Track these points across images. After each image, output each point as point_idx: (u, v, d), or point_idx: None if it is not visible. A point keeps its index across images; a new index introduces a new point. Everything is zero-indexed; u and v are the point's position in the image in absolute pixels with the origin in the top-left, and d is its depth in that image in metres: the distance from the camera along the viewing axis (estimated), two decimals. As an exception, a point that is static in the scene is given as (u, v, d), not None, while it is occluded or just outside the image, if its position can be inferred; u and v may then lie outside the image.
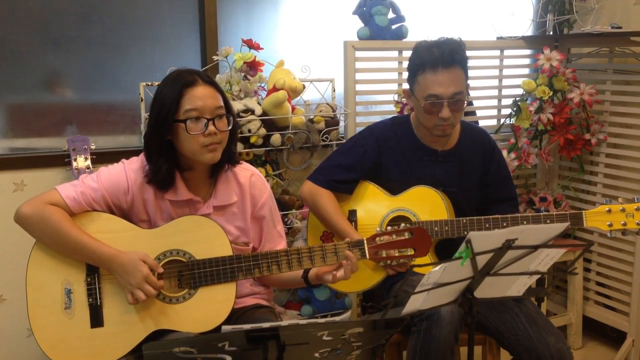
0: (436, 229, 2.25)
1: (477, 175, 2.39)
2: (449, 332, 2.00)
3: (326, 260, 1.90)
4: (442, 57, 2.16)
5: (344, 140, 2.70)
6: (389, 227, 1.94)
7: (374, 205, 2.35)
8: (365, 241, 1.92)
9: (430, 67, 2.17)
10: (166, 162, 1.89)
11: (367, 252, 1.91)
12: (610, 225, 2.16)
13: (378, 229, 2.28)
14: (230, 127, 1.91)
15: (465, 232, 2.23)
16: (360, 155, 2.35)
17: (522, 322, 2.12)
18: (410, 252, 1.90)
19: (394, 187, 2.35)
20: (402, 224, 1.94)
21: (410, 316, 1.64)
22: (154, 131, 1.88)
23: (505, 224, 2.20)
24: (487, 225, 2.22)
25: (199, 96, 1.85)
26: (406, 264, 2.20)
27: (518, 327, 2.12)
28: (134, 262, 1.80)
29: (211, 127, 1.85)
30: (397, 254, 1.90)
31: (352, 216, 2.36)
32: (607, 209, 2.17)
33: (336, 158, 2.40)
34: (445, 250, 2.29)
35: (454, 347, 2.04)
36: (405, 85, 2.36)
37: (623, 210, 2.15)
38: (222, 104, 1.90)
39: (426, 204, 2.29)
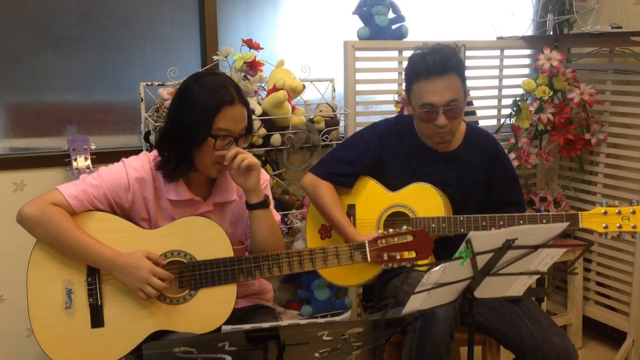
0: (433, 225, 2.25)
1: (479, 179, 2.37)
2: (444, 330, 2.01)
3: (327, 263, 1.91)
4: (435, 65, 2.15)
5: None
6: (391, 230, 1.94)
7: (372, 201, 2.36)
8: (367, 244, 1.92)
9: (423, 76, 2.17)
10: (178, 160, 1.88)
11: (368, 254, 1.92)
12: (606, 227, 2.15)
13: (379, 231, 2.28)
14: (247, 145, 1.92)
15: (462, 230, 2.23)
16: (362, 150, 2.36)
17: (525, 322, 2.12)
18: (412, 255, 1.91)
19: (393, 184, 2.35)
20: (404, 227, 1.94)
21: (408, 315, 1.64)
22: (181, 135, 1.85)
23: (501, 223, 2.20)
24: (483, 223, 2.22)
25: (234, 118, 1.85)
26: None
27: (521, 328, 2.11)
28: (138, 259, 1.81)
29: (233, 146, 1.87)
30: (398, 257, 1.91)
31: (350, 210, 2.37)
32: (603, 210, 2.15)
33: (339, 151, 2.42)
34: (444, 250, 2.28)
35: (449, 344, 2.04)
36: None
37: (619, 212, 2.14)
38: (246, 123, 1.90)
39: (424, 200, 2.29)
